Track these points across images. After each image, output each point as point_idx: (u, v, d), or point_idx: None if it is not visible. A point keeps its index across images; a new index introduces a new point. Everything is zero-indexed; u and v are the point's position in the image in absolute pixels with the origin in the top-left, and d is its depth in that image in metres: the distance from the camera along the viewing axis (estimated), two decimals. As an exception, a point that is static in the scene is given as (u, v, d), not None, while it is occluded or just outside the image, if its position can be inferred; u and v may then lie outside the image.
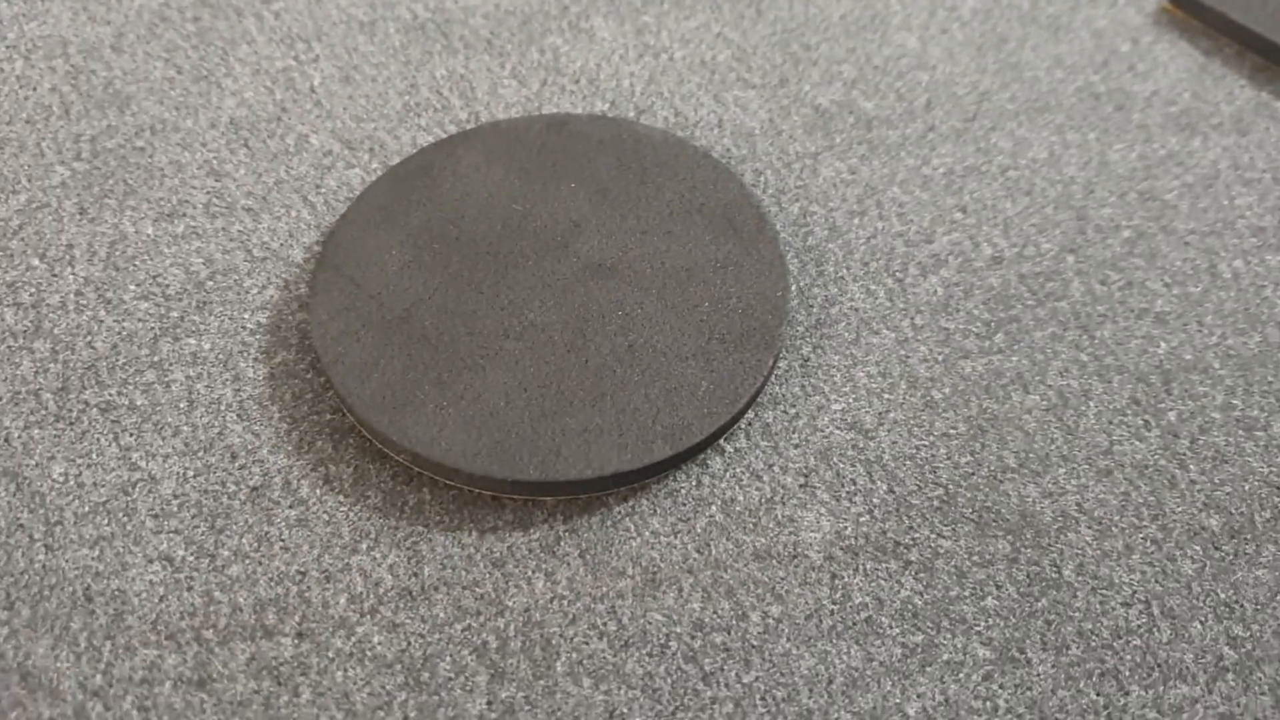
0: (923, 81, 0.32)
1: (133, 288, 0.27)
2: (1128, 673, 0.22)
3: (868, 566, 0.23)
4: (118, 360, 0.26)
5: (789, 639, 0.22)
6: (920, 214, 0.29)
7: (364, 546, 0.23)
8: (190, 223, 0.28)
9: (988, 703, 0.22)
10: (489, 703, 0.22)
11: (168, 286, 0.27)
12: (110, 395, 0.25)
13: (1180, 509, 0.24)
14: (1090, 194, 0.30)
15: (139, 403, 0.25)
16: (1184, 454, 0.25)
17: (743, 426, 0.25)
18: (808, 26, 0.33)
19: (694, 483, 0.24)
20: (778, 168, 0.30)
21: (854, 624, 0.23)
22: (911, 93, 0.32)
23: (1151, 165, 0.30)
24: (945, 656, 0.22)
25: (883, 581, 0.23)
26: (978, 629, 0.23)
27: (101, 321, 0.27)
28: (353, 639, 0.22)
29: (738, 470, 0.25)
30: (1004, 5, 0.34)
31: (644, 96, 0.31)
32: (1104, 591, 0.23)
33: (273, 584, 0.23)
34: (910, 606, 0.23)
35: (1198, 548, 0.24)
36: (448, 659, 0.22)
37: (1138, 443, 0.25)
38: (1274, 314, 0.27)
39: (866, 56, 0.32)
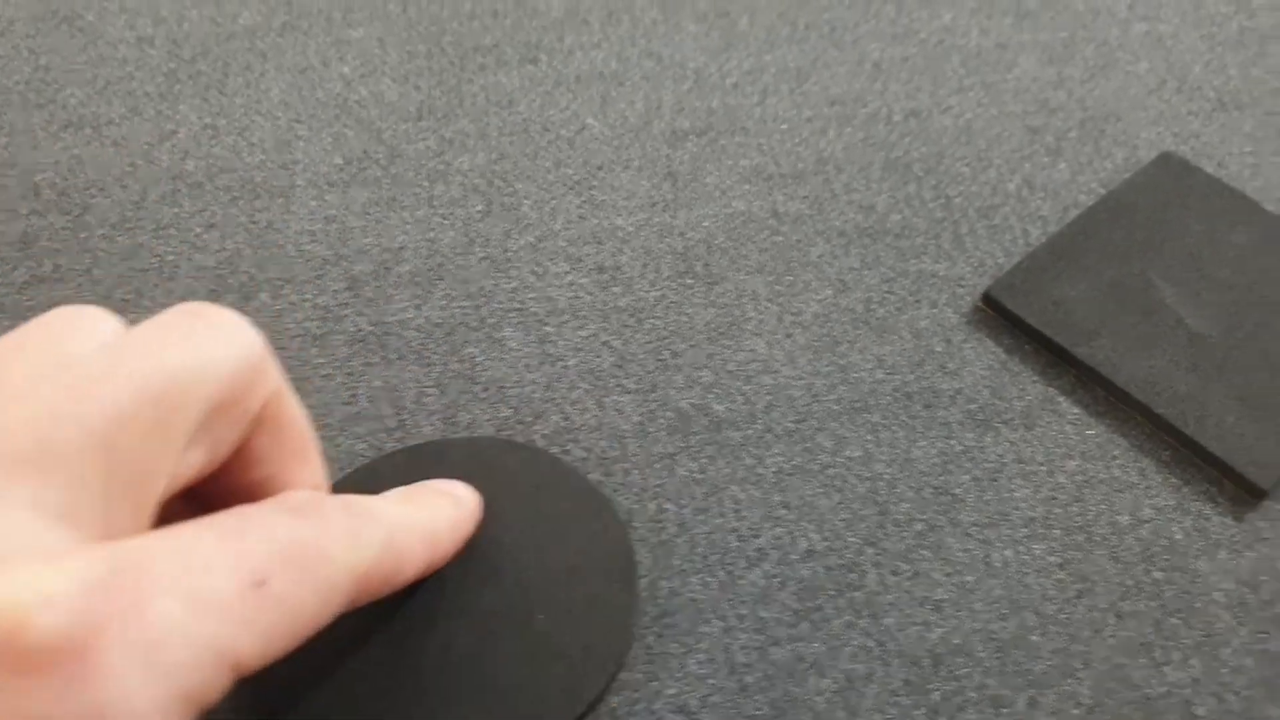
0: (766, 384, 0.39)
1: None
2: None
3: (681, 834, 0.30)
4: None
5: None
6: (752, 510, 0.36)
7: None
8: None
9: None
10: None
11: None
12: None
13: (934, 782, 0.31)
14: (893, 490, 0.36)
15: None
16: (942, 732, 0.31)
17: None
18: (677, 334, 0.40)
19: (552, 760, 0.31)
20: (643, 467, 0.37)
21: None
22: (756, 395, 0.39)
23: (948, 461, 0.37)
24: None
25: None
26: None
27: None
28: None
29: (586, 749, 0.31)
30: (841, 308, 0.41)
31: (540, 403, 0.39)
32: None
33: None
34: None
35: (943, 817, 0.30)
36: None
37: (906, 722, 0.32)
38: (1032, 600, 0.34)
39: (722, 361, 0.40)
